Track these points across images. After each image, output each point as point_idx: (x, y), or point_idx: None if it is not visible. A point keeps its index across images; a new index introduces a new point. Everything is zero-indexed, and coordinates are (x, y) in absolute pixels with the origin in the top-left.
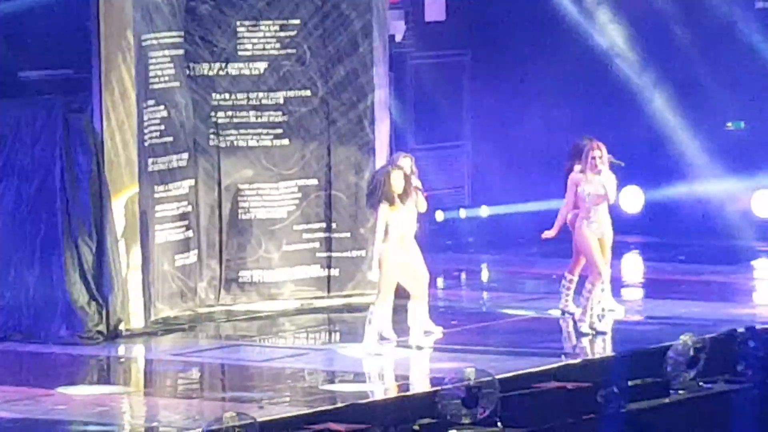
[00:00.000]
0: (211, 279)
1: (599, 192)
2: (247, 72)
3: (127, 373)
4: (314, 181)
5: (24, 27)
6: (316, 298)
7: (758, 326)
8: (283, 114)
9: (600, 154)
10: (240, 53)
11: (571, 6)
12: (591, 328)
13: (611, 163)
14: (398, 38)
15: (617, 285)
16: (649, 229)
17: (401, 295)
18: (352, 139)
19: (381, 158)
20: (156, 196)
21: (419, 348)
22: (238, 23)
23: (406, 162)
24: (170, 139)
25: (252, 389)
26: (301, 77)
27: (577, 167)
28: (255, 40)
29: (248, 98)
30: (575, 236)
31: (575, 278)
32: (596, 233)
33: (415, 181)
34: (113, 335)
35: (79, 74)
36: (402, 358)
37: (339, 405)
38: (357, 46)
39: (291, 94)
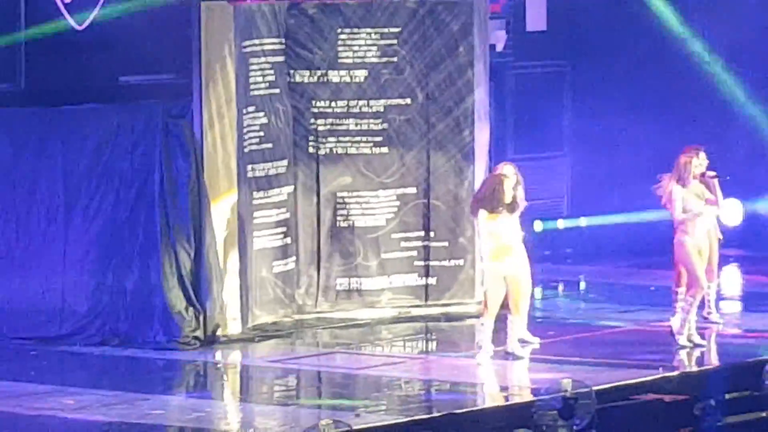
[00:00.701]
0: (309, 286)
1: (704, 198)
2: (347, 80)
3: (224, 378)
4: (413, 190)
5: (125, 32)
6: (413, 306)
7: None
8: (383, 122)
9: (699, 162)
10: (340, 61)
11: (671, 16)
12: (689, 340)
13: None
14: (499, 48)
15: (716, 298)
16: (748, 242)
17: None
18: (450, 144)
19: (480, 164)
20: (255, 202)
21: (516, 358)
22: (339, 31)
23: (509, 170)
24: (269, 145)
25: (348, 397)
26: (400, 85)
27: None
28: (356, 48)
29: (348, 106)
30: (675, 249)
31: (684, 289)
32: (696, 245)
33: (522, 202)
34: (210, 341)
35: (180, 80)
36: (498, 368)
37: (435, 414)
38: (454, 49)
39: (391, 102)
